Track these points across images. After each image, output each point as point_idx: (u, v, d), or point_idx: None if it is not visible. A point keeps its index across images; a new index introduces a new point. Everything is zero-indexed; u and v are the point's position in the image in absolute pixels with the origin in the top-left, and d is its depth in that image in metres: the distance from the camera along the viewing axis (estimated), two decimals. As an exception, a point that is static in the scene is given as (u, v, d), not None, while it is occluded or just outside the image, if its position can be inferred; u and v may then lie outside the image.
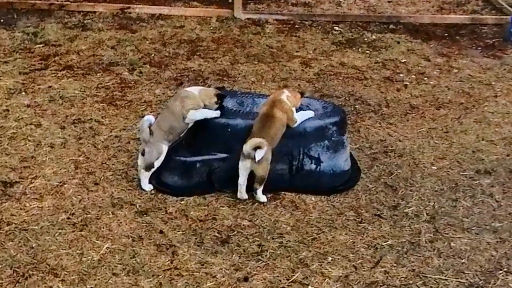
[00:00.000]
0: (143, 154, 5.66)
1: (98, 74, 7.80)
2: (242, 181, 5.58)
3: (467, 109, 7.38)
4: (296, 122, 5.66)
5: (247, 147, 5.39)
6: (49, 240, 5.08)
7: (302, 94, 5.95)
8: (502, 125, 7.06)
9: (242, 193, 5.63)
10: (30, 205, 5.47)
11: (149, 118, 5.70)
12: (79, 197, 5.62)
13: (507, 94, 7.77)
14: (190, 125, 5.71)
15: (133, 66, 8.04)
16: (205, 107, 5.71)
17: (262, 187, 5.59)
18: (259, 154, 5.37)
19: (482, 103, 7.53)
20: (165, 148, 5.63)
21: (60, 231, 5.19)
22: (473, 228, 5.46)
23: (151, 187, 5.71)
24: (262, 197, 5.63)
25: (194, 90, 5.84)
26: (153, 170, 5.67)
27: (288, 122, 5.62)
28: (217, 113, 5.71)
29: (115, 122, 6.79)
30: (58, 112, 6.93)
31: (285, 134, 5.62)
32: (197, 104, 5.68)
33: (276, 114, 5.54)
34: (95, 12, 9.58)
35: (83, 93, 7.33)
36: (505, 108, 7.44)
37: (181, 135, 5.76)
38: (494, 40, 9.37)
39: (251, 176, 5.58)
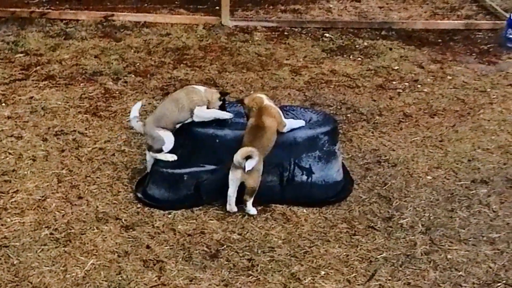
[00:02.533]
0: (149, 150, 5.67)
1: (81, 84, 7.69)
2: (232, 192, 5.49)
3: (462, 117, 7.31)
4: (285, 126, 5.57)
5: (237, 157, 5.28)
6: (31, 257, 4.99)
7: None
8: (498, 133, 7.00)
9: (231, 206, 5.53)
10: (11, 221, 5.38)
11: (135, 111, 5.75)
12: (62, 211, 5.52)
13: (503, 101, 7.71)
14: (185, 121, 5.65)
15: (118, 75, 7.93)
16: (208, 105, 5.67)
17: (252, 199, 5.50)
18: (249, 164, 5.28)
19: (477, 110, 7.47)
20: (163, 133, 5.58)
21: (42, 247, 5.11)
22: (469, 239, 5.41)
23: (174, 156, 5.66)
24: (252, 210, 5.53)
25: (200, 87, 5.84)
26: (164, 152, 5.64)
27: (278, 127, 5.53)
28: (229, 115, 5.68)
29: (99, 133, 6.69)
30: (40, 124, 6.82)
31: (275, 145, 5.54)
32: (202, 101, 5.64)
33: (266, 123, 5.44)
34: (77, 20, 9.47)
35: (65, 104, 7.22)
36: (501, 115, 7.38)
37: (177, 125, 5.66)
38: (489, 45, 9.33)
39: (241, 188, 5.47)
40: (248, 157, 5.28)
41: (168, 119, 5.62)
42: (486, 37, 9.61)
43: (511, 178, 6.22)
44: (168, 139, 5.59)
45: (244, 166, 5.28)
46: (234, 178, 5.42)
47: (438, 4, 10.76)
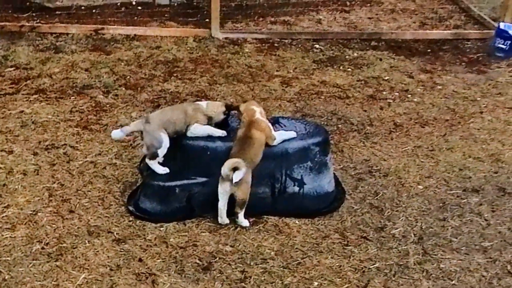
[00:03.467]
0: (147, 147, 5.62)
1: (72, 97, 7.64)
2: (222, 205, 5.47)
3: (452, 126, 7.32)
4: (275, 139, 5.56)
5: (225, 169, 5.27)
6: (23, 272, 4.96)
7: None
8: (489, 142, 7.01)
9: (223, 218, 5.51)
10: (2, 235, 5.34)
11: (115, 131, 5.72)
12: (53, 226, 5.49)
13: (493, 110, 7.73)
14: (186, 132, 5.66)
15: (108, 88, 7.89)
16: (211, 119, 5.72)
17: (243, 211, 5.48)
18: (237, 176, 5.26)
19: (467, 119, 7.48)
20: (164, 136, 5.55)
21: (34, 262, 5.08)
22: (462, 248, 5.43)
23: (167, 169, 5.65)
24: (244, 222, 5.51)
25: (203, 103, 5.88)
26: (159, 158, 5.61)
27: (267, 141, 5.52)
28: (222, 132, 5.67)
29: (90, 147, 6.65)
30: (30, 138, 6.78)
31: (267, 156, 5.53)
32: (204, 120, 5.69)
33: (254, 135, 5.44)
34: (67, 33, 9.43)
35: (56, 118, 7.18)
36: (491, 124, 7.39)
37: (174, 135, 5.65)
38: (478, 55, 9.35)
39: (232, 200, 5.45)
40: (235, 169, 5.26)
41: (173, 126, 5.61)
42: (475, 47, 9.63)
43: (502, 187, 6.24)
44: (166, 144, 5.56)
45: (232, 178, 5.26)
46: (223, 191, 5.41)
47: (427, 15, 10.78)
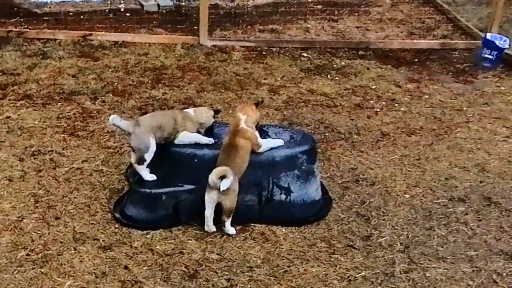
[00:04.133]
0: (134, 151, 5.58)
1: (59, 103, 7.60)
2: (209, 213, 5.46)
3: (439, 136, 7.34)
4: (261, 146, 5.56)
5: (212, 177, 5.26)
6: (7, 279, 4.93)
7: (257, 104, 5.85)
8: (475, 151, 7.04)
9: (209, 226, 5.50)
10: (-13, 242, 5.30)
11: (115, 116, 5.66)
12: (39, 232, 5.46)
13: (479, 119, 7.75)
14: (174, 139, 5.66)
15: (96, 95, 7.85)
16: (201, 125, 5.77)
17: (230, 219, 5.46)
18: (224, 184, 5.24)
19: (454, 129, 7.51)
20: (152, 140, 5.51)
21: (19, 268, 5.05)
22: (448, 257, 5.44)
23: (154, 176, 5.62)
24: (230, 230, 5.51)
25: (190, 111, 5.89)
26: (146, 163, 5.57)
27: (253, 148, 5.51)
28: (209, 140, 5.68)
29: (76, 153, 6.62)
30: (16, 144, 6.74)
31: (254, 164, 5.52)
32: (192, 128, 5.70)
33: (239, 143, 5.44)
34: (55, 39, 9.38)
35: (43, 124, 7.14)
36: (477, 133, 7.42)
37: (162, 142, 5.62)
38: (464, 65, 9.39)
39: (219, 208, 5.44)
40: (223, 177, 5.25)
41: (163, 132, 5.59)
42: (462, 57, 9.67)
43: (488, 196, 6.26)
44: (153, 148, 5.53)
45: (219, 186, 5.25)
46: (210, 199, 5.39)
47: (415, 24, 10.82)
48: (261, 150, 5.57)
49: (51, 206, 5.78)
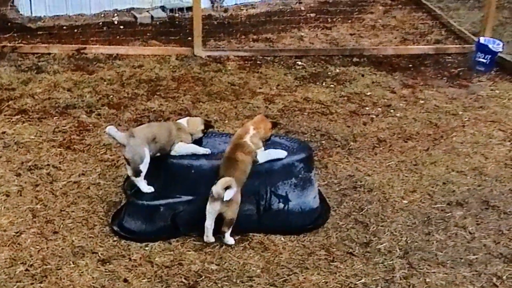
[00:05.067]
0: (128, 164, 5.55)
1: (55, 117, 7.59)
2: (209, 224, 5.45)
3: (435, 140, 7.35)
4: (258, 162, 5.55)
5: (217, 188, 5.26)
6: (7, 295, 4.89)
7: (274, 124, 5.83)
8: (472, 155, 7.05)
9: (209, 237, 5.50)
10: (-15, 258, 5.28)
11: (111, 126, 5.62)
12: (37, 247, 5.44)
13: (475, 123, 7.76)
14: (170, 151, 5.66)
15: (91, 108, 7.85)
16: (191, 136, 5.77)
17: (230, 230, 5.45)
18: (228, 194, 5.24)
19: (450, 133, 7.52)
20: (147, 152, 5.50)
21: (18, 284, 5.03)
22: (447, 262, 5.43)
23: (152, 188, 5.61)
24: (230, 240, 5.51)
25: (183, 121, 5.88)
26: (143, 174, 5.54)
27: (254, 160, 5.52)
28: (205, 150, 5.68)
29: (73, 167, 6.61)
30: (13, 159, 6.72)
31: (251, 173, 5.51)
32: (187, 139, 5.71)
33: (238, 157, 5.44)
34: (49, 53, 9.39)
35: (39, 138, 7.13)
36: (473, 137, 7.43)
37: (157, 154, 5.62)
38: (459, 69, 9.41)
39: (220, 219, 5.44)
40: (227, 188, 5.25)
41: (156, 144, 5.57)
42: (456, 61, 9.70)
43: (486, 200, 6.26)
44: (147, 160, 5.51)
45: (223, 196, 5.23)
46: (212, 210, 5.38)
47: (408, 30, 10.85)
48: (261, 161, 5.57)
49: (49, 221, 5.77)
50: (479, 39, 9.45)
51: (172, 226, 5.59)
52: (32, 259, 5.29)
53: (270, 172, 5.61)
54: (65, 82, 8.52)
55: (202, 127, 5.84)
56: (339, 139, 7.32)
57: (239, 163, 5.41)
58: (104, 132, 5.78)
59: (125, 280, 5.08)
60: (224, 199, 5.25)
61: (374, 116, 7.91)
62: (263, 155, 5.57)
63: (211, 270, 5.23)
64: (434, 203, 6.21)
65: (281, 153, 5.67)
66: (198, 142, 5.83)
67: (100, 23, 10.65)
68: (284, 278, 5.17)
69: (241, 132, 5.61)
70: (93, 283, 5.04)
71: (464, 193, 6.38)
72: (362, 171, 6.71)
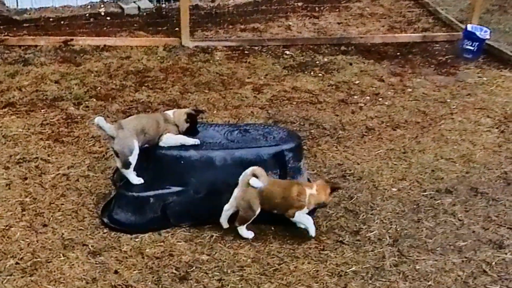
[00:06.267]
0: (117, 156, 5.53)
1: (42, 110, 7.55)
2: (227, 208, 5.47)
3: (424, 128, 7.37)
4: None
5: (247, 171, 5.28)
6: (-3, 288, 4.90)
7: (334, 189, 5.62)
8: (460, 143, 7.07)
9: (223, 222, 5.52)
10: (-25, 252, 5.26)
11: (101, 117, 5.58)
12: (27, 240, 5.43)
13: (463, 110, 7.79)
14: (158, 142, 5.63)
15: (79, 100, 7.80)
16: (177, 127, 5.73)
17: (244, 227, 5.46)
18: (255, 182, 5.24)
19: (438, 121, 7.54)
20: (135, 143, 5.48)
21: (8, 277, 5.02)
22: (437, 248, 5.47)
23: (141, 180, 5.60)
24: (244, 233, 5.49)
25: (170, 112, 5.84)
26: (132, 166, 5.53)
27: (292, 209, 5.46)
28: (194, 141, 5.65)
29: (62, 159, 6.58)
30: (1, 152, 6.68)
31: (241, 163, 5.51)
32: (174, 130, 5.68)
33: (289, 212, 5.46)
34: (36, 46, 9.32)
35: (27, 131, 7.09)
36: (461, 125, 7.45)
37: (146, 145, 5.60)
38: (446, 57, 9.43)
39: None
40: (256, 176, 5.26)
41: (145, 135, 5.56)
42: (443, 49, 9.71)
43: (475, 187, 6.29)
44: (136, 151, 5.50)
45: (251, 181, 5.24)
46: (235, 195, 5.41)
47: (395, 18, 10.85)
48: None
49: (39, 214, 5.75)
50: (466, 27, 9.47)
51: (162, 217, 5.59)
52: (22, 252, 5.27)
53: (259, 161, 5.58)
54: (53, 74, 8.46)
55: (185, 116, 5.74)
56: (328, 128, 7.33)
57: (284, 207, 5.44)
58: (93, 123, 5.75)
59: (116, 272, 5.08)
60: (251, 185, 5.23)
61: (362, 105, 7.91)
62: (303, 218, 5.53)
63: (202, 261, 5.23)
64: (423, 190, 6.24)
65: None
66: (190, 132, 5.77)
67: (87, 15, 10.58)
68: (274, 268, 5.18)
69: (299, 189, 5.46)
70: (83, 275, 5.04)
71: (452, 180, 6.41)
72: (351, 159, 6.72)
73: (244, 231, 5.48)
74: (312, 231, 5.47)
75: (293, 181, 5.53)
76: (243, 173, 5.30)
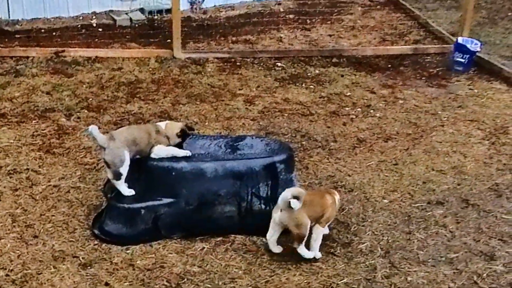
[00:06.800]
0: (108, 167, 5.50)
1: (34, 121, 7.53)
2: (270, 235, 5.41)
3: (415, 140, 7.38)
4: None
5: (285, 194, 5.19)
6: (-13, 300, 4.86)
7: None
8: (451, 154, 7.08)
9: (274, 248, 5.44)
10: (-35, 264, 5.23)
11: (95, 126, 5.53)
12: (17, 252, 5.39)
13: (454, 122, 7.81)
14: (149, 154, 5.61)
15: (70, 111, 7.79)
16: (168, 140, 5.71)
17: (302, 245, 5.35)
18: (295, 203, 5.16)
19: (429, 133, 7.55)
20: (127, 154, 5.46)
21: (-2, 289, 4.98)
22: (428, 260, 5.46)
23: (132, 191, 5.57)
24: (306, 254, 5.37)
25: (162, 124, 5.82)
26: (123, 177, 5.50)
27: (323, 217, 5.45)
28: (186, 152, 5.63)
29: (53, 171, 6.55)
30: (-8, 163, 6.66)
31: (232, 175, 5.53)
32: (165, 142, 5.66)
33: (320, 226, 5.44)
34: (28, 57, 9.31)
35: (18, 142, 7.06)
36: (452, 136, 7.47)
37: (137, 156, 5.58)
38: (437, 69, 9.47)
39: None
40: (296, 198, 5.18)
41: (136, 147, 5.54)
42: (434, 61, 9.76)
43: (466, 198, 6.30)
44: (127, 162, 5.48)
45: (290, 203, 5.15)
46: (274, 220, 5.33)
47: (387, 31, 10.90)
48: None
49: (29, 225, 5.72)
50: (457, 39, 9.52)
51: (153, 229, 5.56)
52: (12, 264, 5.24)
53: (251, 173, 5.59)
54: (44, 86, 8.45)
55: (177, 130, 5.73)
56: (320, 140, 7.33)
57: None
58: (86, 133, 5.73)
59: (107, 284, 5.05)
60: (292, 206, 5.15)
61: (354, 117, 7.92)
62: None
63: (193, 273, 5.21)
64: (414, 202, 6.24)
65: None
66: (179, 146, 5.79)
67: (79, 26, 10.60)
68: (266, 279, 5.16)
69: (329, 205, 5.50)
70: (74, 287, 5.01)
71: (444, 192, 6.41)
72: (342, 171, 6.72)
73: (305, 250, 5.36)
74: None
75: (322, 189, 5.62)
76: (283, 196, 5.20)
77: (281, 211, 5.25)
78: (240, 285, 5.09)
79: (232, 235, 5.62)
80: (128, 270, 5.21)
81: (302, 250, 5.33)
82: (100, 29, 10.52)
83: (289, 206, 5.15)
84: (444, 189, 6.46)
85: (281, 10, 11.86)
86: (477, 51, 9.37)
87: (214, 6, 11.78)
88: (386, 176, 6.66)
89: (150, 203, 5.57)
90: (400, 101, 8.38)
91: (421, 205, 6.18)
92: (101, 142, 5.48)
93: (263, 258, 5.40)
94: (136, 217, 5.56)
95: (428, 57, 9.87)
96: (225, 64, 9.41)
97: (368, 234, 5.74)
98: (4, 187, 6.24)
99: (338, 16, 11.54)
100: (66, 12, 10.86)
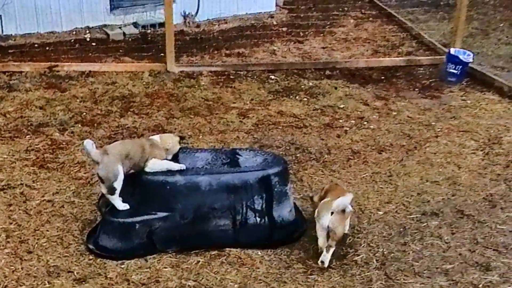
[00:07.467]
0: (102, 182, 5.48)
1: (27, 136, 7.52)
2: (323, 241, 5.44)
3: (409, 151, 7.39)
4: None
5: (343, 201, 5.33)
6: (-19, 317, 4.84)
7: None
8: (445, 165, 7.09)
9: (324, 262, 5.45)
10: (-41, 280, 5.20)
11: (89, 140, 5.51)
12: (11, 267, 5.38)
13: (448, 133, 7.82)
14: (144, 168, 5.60)
15: (64, 126, 7.78)
16: (167, 151, 5.73)
17: (332, 250, 5.40)
18: (350, 208, 5.40)
19: (423, 144, 7.56)
20: (120, 169, 5.44)
21: (-8, 305, 4.97)
22: (424, 272, 5.46)
23: (127, 205, 5.56)
24: (326, 260, 5.42)
25: (156, 138, 5.82)
26: (118, 191, 5.48)
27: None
28: (180, 166, 5.64)
29: (47, 186, 6.54)
30: (-15, 179, 6.64)
31: (227, 188, 5.53)
32: (160, 155, 5.66)
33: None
34: (21, 72, 9.31)
35: (11, 157, 7.05)
36: (446, 147, 7.48)
37: (131, 171, 5.57)
38: (430, 80, 9.49)
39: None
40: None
41: (130, 161, 5.53)
42: (427, 72, 9.78)
43: (461, 209, 6.30)
44: (121, 177, 5.46)
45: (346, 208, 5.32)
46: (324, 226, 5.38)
47: (379, 42, 10.94)
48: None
49: (23, 241, 5.70)
50: (449, 50, 9.55)
51: (148, 243, 5.55)
52: (6, 280, 5.22)
53: (245, 186, 5.59)
54: (38, 100, 8.44)
55: (177, 138, 5.81)
56: (314, 152, 7.34)
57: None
58: (81, 143, 5.71)
59: (102, 299, 5.04)
60: (346, 212, 5.32)
61: (347, 129, 7.93)
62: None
63: (189, 287, 5.20)
64: (409, 213, 6.24)
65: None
66: (175, 156, 5.80)
67: (72, 40, 10.60)
68: (261, 293, 5.15)
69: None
70: (69, 302, 5.00)
71: (438, 203, 6.41)
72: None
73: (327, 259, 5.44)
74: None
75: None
76: (343, 202, 5.29)
77: (331, 214, 5.31)
78: (235, 298, 5.09)
79: (227, 249, 5.61)
80: (123, 285, 5.20)
81: (324, 255, 5.41)
82: (93, 44, 10.53)
83: (343, 211, 5.28)
84: (439, 200, 6.46)
85: (274, 23, 11.89)
86: (470, 62, 9.40)
87: (207, 19, 11.80)
88: (381, 187, 6.66)
89: (144, 217, 5.55)
90: (394, 113, 8.39)
91: (416, 217, 6.19)
92: (94, 157, 5.47)
93: (258, 271, 5.39)
94: (131, 231, 5.54)
95: (421, 69, 9.90)
96: (219, 77, 9.42)
97: (364, 246, 5.74)
98: (-2, 203, 6.23)
99: (331, 28, 11.57)
100: (60, 27, 10.86)
